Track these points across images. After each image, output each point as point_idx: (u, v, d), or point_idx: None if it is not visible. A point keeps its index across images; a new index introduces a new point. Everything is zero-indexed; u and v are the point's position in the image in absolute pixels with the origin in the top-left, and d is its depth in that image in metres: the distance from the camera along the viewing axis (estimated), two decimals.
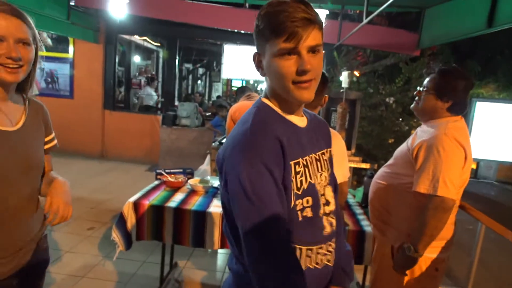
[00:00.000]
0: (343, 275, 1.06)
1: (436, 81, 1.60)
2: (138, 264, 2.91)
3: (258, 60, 0.92)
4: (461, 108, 1.60)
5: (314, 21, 0.83)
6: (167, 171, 2.58)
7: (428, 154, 1.50)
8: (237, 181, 0.81)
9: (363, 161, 3.71)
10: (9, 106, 1.08)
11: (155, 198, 2.16)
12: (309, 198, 0.91)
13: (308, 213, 0.91)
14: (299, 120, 0.96)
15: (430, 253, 1.60)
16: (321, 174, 0.97)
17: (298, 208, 0.89)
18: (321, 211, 0.95)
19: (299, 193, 0.89)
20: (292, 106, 0.93)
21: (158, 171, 2.60)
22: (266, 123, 0.89)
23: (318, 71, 0.86)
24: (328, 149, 1.06)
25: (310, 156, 0.94)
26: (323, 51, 0.88)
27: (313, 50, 0.84)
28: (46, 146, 1.23)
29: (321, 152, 1.00)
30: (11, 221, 1.08)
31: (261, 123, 0.88)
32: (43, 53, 6.58)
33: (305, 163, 0.92)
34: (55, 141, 1.28)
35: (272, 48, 0.84)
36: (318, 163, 0.97)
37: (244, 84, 3.27)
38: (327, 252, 0.96)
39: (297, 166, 0.89)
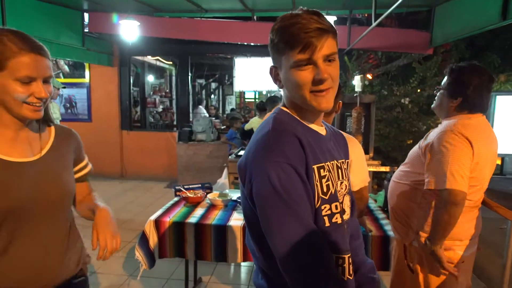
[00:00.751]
0: (372, 284, 1.04)
1: (447, 79, 1.60)
2: (162, 282, 2.91)
3: (275, 74, 0.93)
4: (474, 105, 1.54)
5: (328, 30, 0.84)
6: (186, 187, 2.59)
7: (435, 152, 1.50)
8: (266, 182, 0.80)
9: (382, 164, 3.65)
10: (32, 136, 1.06)
11: (175, 215, 2.18)
12: (338, 204, 0.91)
13: (338, 219, 0.90)
14: (319, 129, 0.97)
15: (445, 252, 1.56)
16: (341, 183, 0.98)
17: (325, 213, 0.88)
18: (343, 219, 0.95)
19: (326, 198, 0.88)
20: (311, 116, 0.94)
21: (177, 187, 2.62)
22: (286, 124, 0.90)
23: (335, 80, 0.87)
24: (347, 160, 1.06)
25: (331, 162, 0.94)
26: None
27: (328, 59, 0.85)
28: (80, 174, 1.20)
29: (342, 160, 1.00)
30: (37, 256, 1.03)
31: (282, 124, 0.89)
32: (61, 79, 6.82)
33: (328, 168, 0.92)
34: (89, 167, 1.24)
35: (288, 60, 0.85)
36: (339, 170, 0.98)
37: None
38: (350, 263, 0.93)
39: (322, 170, 0.89)
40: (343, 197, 0.99)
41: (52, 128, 1.14)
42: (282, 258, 0.81)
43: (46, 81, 0.99)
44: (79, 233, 1.21)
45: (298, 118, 0.93)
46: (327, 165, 0.92)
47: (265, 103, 3.71)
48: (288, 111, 0.95)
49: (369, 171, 3.63)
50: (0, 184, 0.96)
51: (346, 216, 0.99)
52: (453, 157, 1.44)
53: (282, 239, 0.80)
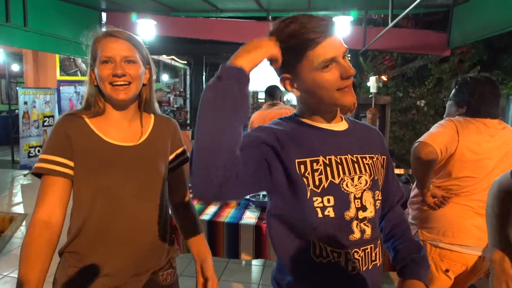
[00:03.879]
0: (413, 264, 0.99)
1: (454, 90, 1.74)
2: None
3: (288, 84, 0.93)
4: (479, 112, 1.63)
5: (334, 28, 0.86)
6: None
7: None
8: None
9: (397, 167, 3.61)
10: (135, 123, 1.13)
11: None
12: (330, 197, 0.90)
13: (330, 213, 0.90)
14: (334, 126, 0.97)
15: (430, 238, 1.64)
16: (359, 177, 0.94)
17: (317, 204, 0.90)
18: (350, 214, 0.92)
19: (318, 191, 0.89)
20: (329, 114, 0.96)
21: (190, 185, 2.64)
22: (282, 121, 0.96)
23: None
24: (376, 155, 1.02)
25: (339, 156, 0.93)
26: (349, 57, 0.90)
27: (344, 55, 0.87)
28: (176, 162, 1.22)
29: (362, 155, 0.97)
30: (124, 243, 1.07)
31: (274, 122, 0.96)
32: (79, 77, 6.96)
33: (327, 162, 0.91)
34: (186, 155, 1.26)
35: (309, 65, 0.86)
36: (356, 165, 0.95)
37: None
38: (355, 259, 0.93)
39: (314, 164, 0.90)
40: (362, 192, 0.94)
41: (152, 116, 1.20)
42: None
43: (126, 61, 1.04)
44: (166, 226, 1.21)
45: (308, 121, 0.96)
46: (328, 158, 0.92)
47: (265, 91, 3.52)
48: (300, 117, 0.98)
49: None
50: (103, 161, 1.05)
51: (369, 214, 0.95)
52: (435, 129, 1.61)
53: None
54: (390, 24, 3.29)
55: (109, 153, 1.06)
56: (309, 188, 0.89)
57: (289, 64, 0.89)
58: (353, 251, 0.92)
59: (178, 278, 1.28)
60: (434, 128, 1.64)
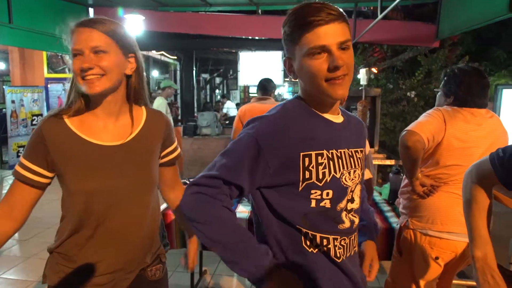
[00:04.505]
0: (374, 229, 1.17)
1: (442, 81, 1.77)
2: (168, 274, 2.95)
3: (289, 65, 0.93)
4: (466, 102, 1.66)
5: (339, 17, 0.84)
6: (191, 180, 2.61)
7: None
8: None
9: (387, 158, 3.65)
10: (123, 120, 1.07)
11: None
12: (330, 191, 0.91)
13: (327, 204, 0.92)
14: (333, 118, 0.97)
15: (420, 227, 1.66)
16: (354, 171, 0.97)
17: (313, 197, 0.90)
18: (341, 206, 0.95)
19: (320, 184, 0.89)
20: (326, 106, 0.94)
21: (182, 181, 2.64)
22: (290, 113, 0.93)
23: (350, 67, 0.86)
24: (363, 148, 1.05)
25: (339, 150, 0.94)
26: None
27: (342, 46, 0.84)
28: (167, 158, 1.19)
29: (355, 149, 0.99)
30: (115, 241, 1.06)
31: (285, 113, 0.93)
32: (67, 75, 6.86)
33: (330, 156, 0.91)
34: (178, 151, 1.22)
35: (301, 49, 0.85)
36: (352, 159, 0.97)
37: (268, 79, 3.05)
38: (340, 246, 0.96)
39: (319, 157, 0.89)
40: (356, 185, 0.98)
41: (144, 112, 1.13)
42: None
43: (94, 52, 0.96)
44: (160, 221, 1.22)
45: (311, 107, 0.94)
46: (332, 152, 0.92)
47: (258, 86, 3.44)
48: (301, 100, 0.96)
49: (375, 165, 3.63)
50: (89, 165, 1.00)
51: (356, 206, 0.99)
52: (423, 118, 1.64)
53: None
54: (380, 16, 3.30)
55: (94, 156, 1.01)
56: (307, 181, 0.89)
57: (290, 44, 0.88)
58: (341, 238, 0.96)
59: (167, 273, 1.28)
60: (422, 117, 1.66)
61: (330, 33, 0.82)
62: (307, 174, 0.88)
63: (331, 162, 0.91)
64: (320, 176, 0.89)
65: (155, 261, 1.20)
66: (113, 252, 1.06)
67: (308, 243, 0.93)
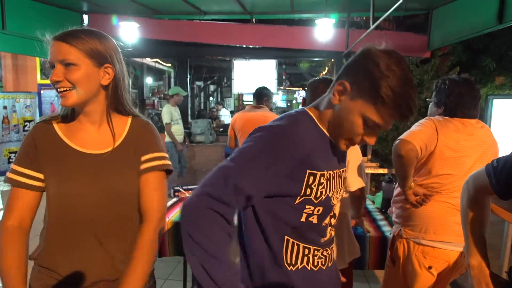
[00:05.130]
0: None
1: (434, 91, 1.80)
2: (160, 282, 2.91)
3: (342, 89, 0.88)
4: (456, 112, 1.68)
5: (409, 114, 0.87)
6: (184, 187, 2.60)
7: None
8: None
9: (380, 167, 3.67)
10: (102, 128, 1.07)
11: (174, 215, 2.18)
12: (321, 208, 0.95)
13: (314, 219, 0.95)
14: None
15: (413, 236, 1.66)
16: (339, 191, 1.02)
17: (306, 211, 0.93)
18: (326, 221, 0.99)
19: (316, 202, 0.93)
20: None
21: (175, 188, 2.63)
22: (304, 126, 0.93)
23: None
24: (345, 169, 1.10)
25: (334, 171, 0.98)
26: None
27: (383, 130, 0.91)
28: (144, 166, 1.08)
29: (342, 169, 1.04)
30: (94, 252, 1.03)
31: (299, 124, 0.93)
32: None
33: (329, 177, 0.95)
34: (160, 162, 1.10)
35: (366, 108, 0.85)
36: (340, 179, 1.02)
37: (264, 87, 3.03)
38: (321, 256, 1.00)
39: (322, 178, 0.92)
40: (338, 202, 1.04)
41: (129, 121, 1.12)
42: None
43: (64, 65, 0.97)
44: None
45: (319, 124, 0.95)
46: (330, 173, 0.95)
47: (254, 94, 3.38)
48: (312, 115, 0.96)
49: (367, 173, 3.64)
50: (66, 168, 1.02)
51: (334, 221, 1.04)
52: (415, 128, 1.66)
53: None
54: (372, 27, 3.35)
55: (71, 160, 1.03)
56: (305, 197, 0.91)
57: (365, 90, 0.85)
58: (323, 249, 1.00)
59: (155, 282, 1.23)
60: (414, 127, 1.68)
61: (390, 121, 0.87)
62: (308, 191, 0.91)
63: (328, 183, 0.95)
64: (318, 195, 0.92)
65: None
66: (94, 263, 1.04)
67: (288, 259, 0.95)
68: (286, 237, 0.94)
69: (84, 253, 1.04)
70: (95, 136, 1.06)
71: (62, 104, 0.99)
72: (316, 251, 0.98)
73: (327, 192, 0.94)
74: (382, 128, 0.88)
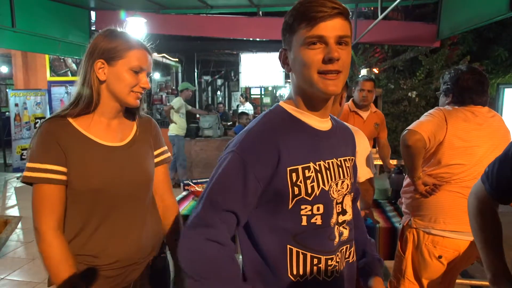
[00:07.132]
0: (378, 264, 1.07)
1: (442, 81, 1.79)
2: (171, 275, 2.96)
3: (284, 56, 0.90)
4: (464, 100, 1.67)
5: (342, 12, 0.81)
6: (194, 181, 2.63)
7: None
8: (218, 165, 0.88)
9: (390, 158, 3.64)
10: (121, 124, 1.15)
11: (184, 208, 2.21)
12: (320, 206, 0.87)
13: (318, 220, 0.88)
14: (321, 122, 0.92)
15: (423, 226, 1.67)
16: (342, 182, 0.92)
17: (304, 212, 0.87)
18: (333, 220, 0.91)
19: (310, 199, 0.86)
20: (317, 104, 0.89)
21: (185, 182, 2.66)
22: (274, 124, 0.88)
23: (346, 64, 0.83)
24: (352, 157, 1.01)
25: (327, 161, 0.90)
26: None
27: (340, 41, 0.82)
28: (158, 159, 1.24)
29: (344, 158, 0.95)
30: (118, 241, 1.10)
31: (268, 125, 0.88)
32: (69, 77, 6.89)
33: (317, 168, 0.88)
34: (168, 154, 1.27)
35: (299, 38, 0.83)
36: (340, 169, 0.92)
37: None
38: (336, 263, 0.92)
39: (306, 171, 0.86)
40: (343, 197, 0.94)
41: (136, 115, 1.21)
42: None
43: (149, 75, 1.12)
44: (159, 219, 1.24)
45: (297, 112, 0.90)
46: (318, 164, 0.88)
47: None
48: (285, 106, 0.92)
49: (376, 165, 3.63)
50: (95, 163, 1.06)
51: (348, 217, 0.95)
52: (424, 118, 1.66)
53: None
54: (380, 17, 3.31)
55: (99, 154, 1.06)
56: (297, 197, 0.85)
57: (288, 34, 0.86)
58: (333, 255, 0.91)
59: (168, 263, 1.31)
60: (423, 117, 1.67)
61: (330, 26, 0.80)
62: (296, 190, 0.84)
63: (319, 175, 0.87)
64: (309, 191, 0.85)
65: (161, 253, 1.25)
66: (117, 250, 1.09)
67: (294, 271, 0.88)
68: (288, 246, 0.87)
69: (113, 243, 1.09)
70: (114, 131, 1.12)
71: (136, 104, 1.11)
72: (329, 261, 0.89)
73: (321, 185, 0.87)
74: (327, 37, 0.80)
